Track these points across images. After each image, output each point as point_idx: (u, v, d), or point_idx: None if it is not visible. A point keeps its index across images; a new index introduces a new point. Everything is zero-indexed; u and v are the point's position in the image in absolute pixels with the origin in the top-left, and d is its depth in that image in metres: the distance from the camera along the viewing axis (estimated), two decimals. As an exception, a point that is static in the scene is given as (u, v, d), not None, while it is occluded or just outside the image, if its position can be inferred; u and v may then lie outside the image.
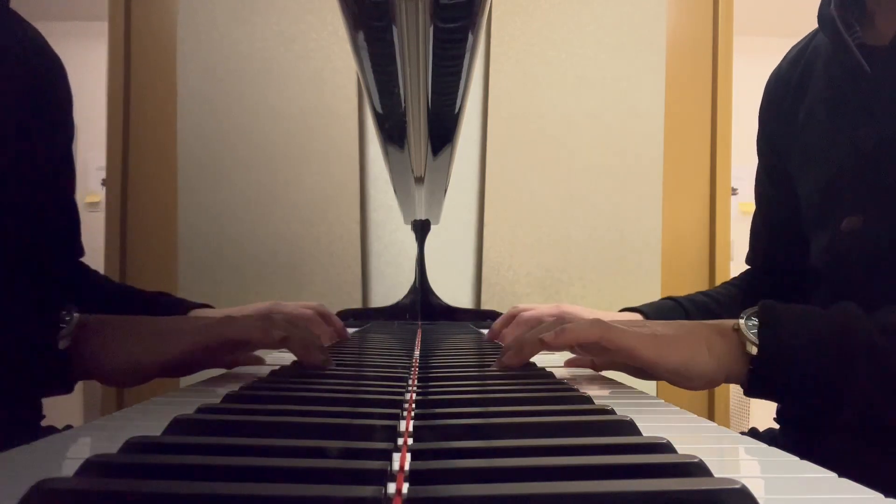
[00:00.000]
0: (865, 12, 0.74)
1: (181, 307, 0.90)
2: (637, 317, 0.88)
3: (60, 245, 0.89)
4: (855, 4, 0.75)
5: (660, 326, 0.61)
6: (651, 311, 0.89)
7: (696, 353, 0.58)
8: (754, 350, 0.56)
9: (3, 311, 0.56)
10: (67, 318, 0.55)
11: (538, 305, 0.94)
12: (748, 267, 1.00)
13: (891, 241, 0.68)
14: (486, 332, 1.13)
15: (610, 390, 0.61)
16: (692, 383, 0.59)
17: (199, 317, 0.61)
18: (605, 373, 0.74)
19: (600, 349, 0.61)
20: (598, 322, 0.59)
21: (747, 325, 0.57)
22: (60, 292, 0.86)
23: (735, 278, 1.01)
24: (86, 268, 0.96)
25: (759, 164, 0.95)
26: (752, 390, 0.58)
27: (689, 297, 0.93)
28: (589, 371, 0.76)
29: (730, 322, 0.59)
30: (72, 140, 0.88)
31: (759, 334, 0.56)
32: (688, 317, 0.88)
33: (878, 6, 0.73)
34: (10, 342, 0.53)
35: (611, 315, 0.88)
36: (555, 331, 0.60)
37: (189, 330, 0.58)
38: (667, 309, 0.90)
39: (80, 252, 0.94)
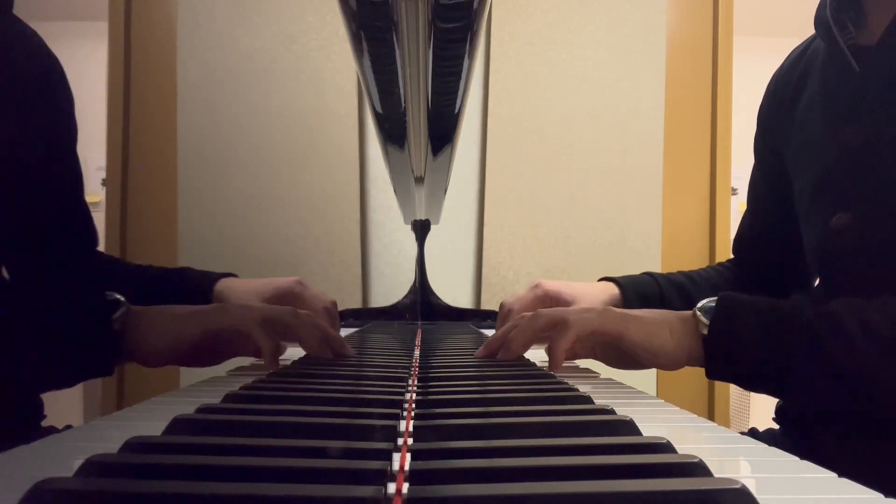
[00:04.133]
0: (862, 13, 0.75)
1: (206, 280, 0.92)
2: (612, 286, 0.93)
3: (75, 243, 0.90)
4: (851, 6, 0.75)
5: (630, 311, 0.68)
6: (626, 283, 0.93)
7: (659, 332, 0.65)
8: (705, 331, 0.63)
9: (46, 300, 0.61)
10: (118, 305, 0.61)
11: (519, 294, 0.96)
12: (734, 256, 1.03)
13: (880, 238, 0.70)
14: (485, 332, 1.13)
15: (610, 390, 0.61)
16: (657, 360, 0.65)
17: (212, 305, 0.67)
18: (604, 373, 0.74)
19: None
20: (566, 323, 0.66)
21: (703, 310, 0.64)
22: (81, 276, 0.89)
23: (721, 263, 1.03)
24: (103, 257, 0.97)
25: (754, 165, 0.96)
26: (710, 372, 0.64)
27: (668, 276, 0.96)
28: (589, 371, 0.76)
29: (690, 311, 0.66)
30: (75, 140, 0.89)
31: (710, 319, 0.63)
32: (661, 292, 0.92)
33: (871, 6, 0.74)
34: (65, 324, 0.59)
35: (588, 286, 0.93)
36: (557, 343, 0.66)
37: (204, 315, 0.64)
38: (642, 282, 0.94)
39: (95, 242, 0.96)
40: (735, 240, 1.02)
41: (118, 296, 0.62)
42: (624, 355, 0.69)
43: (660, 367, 0.67)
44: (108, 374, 0.61)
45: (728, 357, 0.63)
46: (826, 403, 0.63)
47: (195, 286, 0.91)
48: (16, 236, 0.81)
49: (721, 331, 0.62)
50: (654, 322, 0.66)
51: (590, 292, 0.93)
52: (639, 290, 0.92)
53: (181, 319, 0.63)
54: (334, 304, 0.97)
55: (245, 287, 0.92)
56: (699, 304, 0.65)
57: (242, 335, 0.65)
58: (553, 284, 0.94)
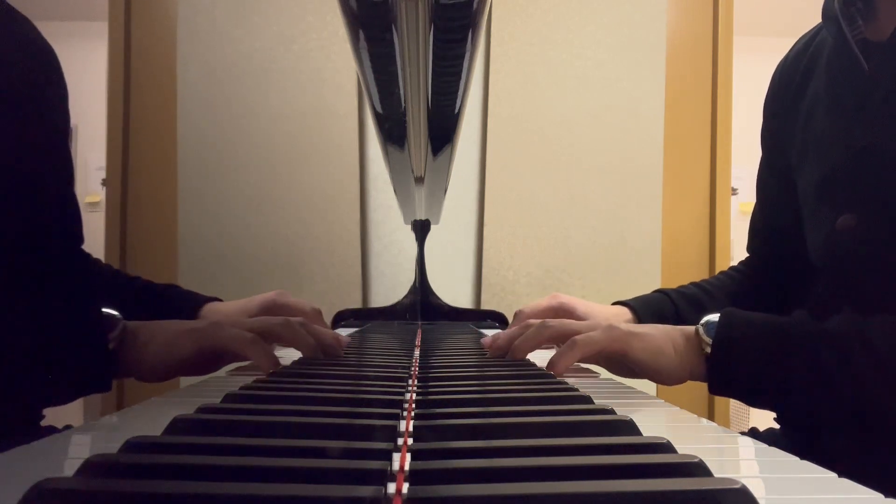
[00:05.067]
0: (871, 6, 0.73)
1: (192, 301, 0.92)
2: (625, 311, 0.91)
3: (63, 238, 0.90)
4: None
5: (633, 326, 0.68)
6: (639, 306, 0.91)
7: (663, 349, 0.66)
8: (708, 350, 0.63)
9: (27, 304, 0.62)
10: (114, 323, 0.62)
11: (536, 302, 0.95)
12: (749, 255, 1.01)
13: (886, 240, 0.68)
14: (486, 332, 1.13)
15: (610, 390, 0.61)
16: (660, 377, 0.66)
17: (206, 321, 0.67)
18: (604, 373, 0.74)
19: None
20: (573, 343, 0.66)
21: (706, 328, 0.64)
22: (74, 286, 0.88)
23: (733, 267, 1.02)
24: (88, 257, 0.97)
25: (762, 155, 0.95)
26: (713, 388, 0.65)
27: (680, 290, 0.94)
28: (588, 371, 0.76)
29: (694, 327, 0.66)
30: (68, 132, 0.88)
31: (714, 337, 0.63)
32: (676, 309, 0.90)
33: (882, 0, 0.72)
34: (61, 342, 0.59)
35: (602, 309, 0.91)
36: (560, 360, 0.66)
37: (199, 333, 0.65)
38: (656, 302, 0.92)
39: (80, 240, 0.95)
40: (748, 234, 1.00)
41: (114, 312, 0.63)
42: (627, 367, 0.70)
43: (662, 383, 0.68)
44: (105, 391, 0.62)
45: (730, 375, 0.63)
46: (827, 422, 0.64)
47: (180, 307, 0.91)
48: (2, 230, 0.80)
49: (723, 350, 0.63)
50: (658, 339, 0.66)
51: (603, 315, 0.91)
52: (653, 311, 0.90)
53: (176, 337, 0.64)
54: (319, 312, 0.97)
55: (228, 309, 0.92)
56: (703, 321, 0.65)
57: (236, 354, 0.66)
58: (569, 298, 0.93)
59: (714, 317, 0.65)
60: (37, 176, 0.81)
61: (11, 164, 0.75)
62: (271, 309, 0.93)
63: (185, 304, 0.92)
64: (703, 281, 0.97)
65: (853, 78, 0.72)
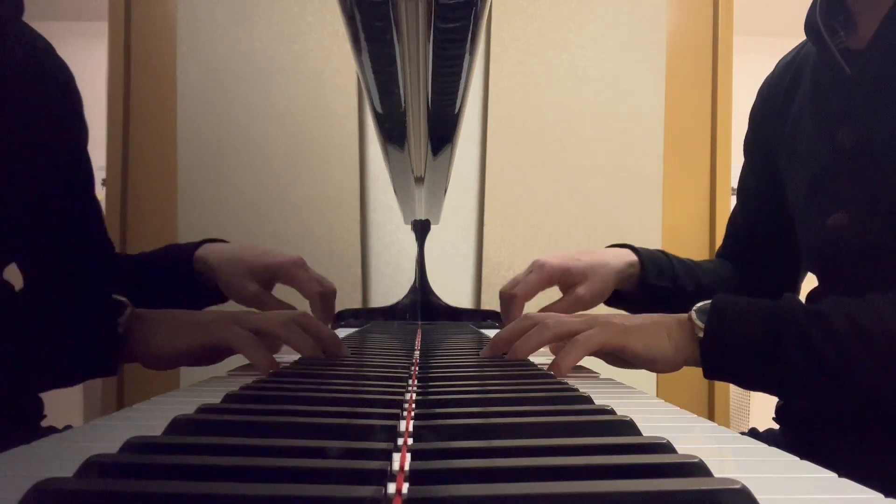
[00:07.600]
0: (851, 18, 0.77)
1: (184, 252, 0.90)
2: (629, 254, 0.90)
3: (87, 242, 0.91)
4: (840, 10, 0.77)
5: (628, 319, 0.70)
6: (645, 256, 0.90)
7: (658, 339, 0.67)
8: (701, 334, 0.65)
9: (56, 301, 0.64)
10: (123, 309, 0.64)
11: (519, 278, 0.93)
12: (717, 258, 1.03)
13: (877, 236, 0.71)
14: (486, 332, 1.13)
15: (610, 390, 0.61)
16: (655, 365, 0.68)
17: (212, 314, 0.68)
18: (603, 372, 0.74)
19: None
20: (575, 343, 0.67)
21: (698, 313, 0.66)
22: (86, 274, 0.89)
23: (711, 261, 1.02)
24: (118, 257, 0.98)
25: (744, 163, 0.97)
26: (707, 372, 0.66)
27: (679, 259, 0.94)
28: (588, 371, 0.76)
29: (686, 314, 0.68)
30: (86, 141, 0.90)
31: (706, 322, 0.65)
32: (673, 272, 0.90)
33: (859, 10, 0.76)
34: (71, 325, 0.61)
35: (598, 257, 0.90)
36: (564, 360, 0.66)
37: (202, 327, 0.66)
38: (657, 258, 0.91)
39: (111, 247, 0.96)
40: (725, 238, 1.02)
41: (122, 298, 0.64)
42: (624, 359, 0.71)
43: (658, 371, 0.69)
44: (112, 375, 0.63)
45: (723, 358, 0.65)
46: (819, 401, 0.65)
47: (175, 261, 0.90)
48: (28, 238, 0.82)
49: (715, 333, 0.64)
50: (654, 330, 0.68)
51: (602, 262, 0.88)
52: (655, 264, 0.90)
53: (180, 329, 0.66)
54: (333, 291, 0.95)
55: (234, 255, 0.89)
56: (695, 307, 0.67)
57: (235, 350, 0.67)
58: (556, 261, 0.89)
59: (706, 303, 0.66)
60: (56, 181, 0.83)
61: (31, 174, 0.77)
62: (278, 276, 0.92)
63: (179, 255, 0.90)
64: (693, 260, 0.97)
65: (837, 83, 0.75)
